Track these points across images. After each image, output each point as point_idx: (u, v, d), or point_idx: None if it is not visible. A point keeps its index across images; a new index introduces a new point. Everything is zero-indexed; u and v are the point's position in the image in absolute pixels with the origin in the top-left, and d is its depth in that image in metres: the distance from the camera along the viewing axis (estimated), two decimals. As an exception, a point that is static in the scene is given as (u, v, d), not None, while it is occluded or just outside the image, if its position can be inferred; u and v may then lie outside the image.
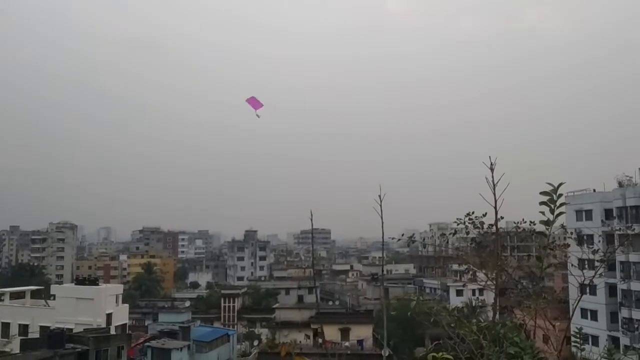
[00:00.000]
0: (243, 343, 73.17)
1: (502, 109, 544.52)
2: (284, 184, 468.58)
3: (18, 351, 43.85)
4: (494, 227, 5.69)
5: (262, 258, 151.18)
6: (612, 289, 56.70)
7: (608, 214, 59.67)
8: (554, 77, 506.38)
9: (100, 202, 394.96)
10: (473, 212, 5.60)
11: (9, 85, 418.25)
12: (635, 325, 55.52)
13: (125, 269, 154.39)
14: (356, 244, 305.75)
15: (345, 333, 59.99)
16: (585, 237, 44.55)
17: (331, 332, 59.84)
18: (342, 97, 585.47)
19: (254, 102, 26.86)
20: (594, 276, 5.04)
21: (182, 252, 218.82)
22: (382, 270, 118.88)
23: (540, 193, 4.75)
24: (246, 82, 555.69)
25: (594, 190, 63.99)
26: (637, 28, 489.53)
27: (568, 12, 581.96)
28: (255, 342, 71.15)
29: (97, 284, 61.66)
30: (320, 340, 58.98)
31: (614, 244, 54.88)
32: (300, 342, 60.06)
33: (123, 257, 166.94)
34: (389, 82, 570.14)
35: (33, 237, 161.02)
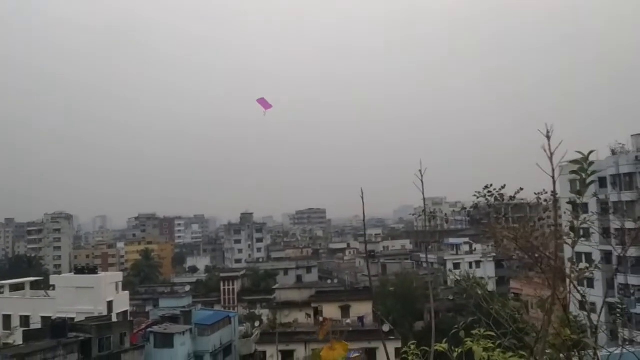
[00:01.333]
0: (244, 325, 73.73)
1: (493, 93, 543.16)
2: (278, 167, 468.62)
3: (21, 342, 44.06)
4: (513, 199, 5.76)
5: (259, 240, 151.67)
6: (607, 256, 57.34)
7: (602, 182, 60.09)
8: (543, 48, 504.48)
9: (94, 191, 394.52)
10: (492, 185, 5.61)
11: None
12: (632, 291, 56.29)
13: (123, 256, 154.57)
14: (352, 222, 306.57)
15: (345, 310, 60.51)
16: (580, 206, 44.80)
17: (331, 310, 60.36)
18: (330, 85, 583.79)
19: (264, 103, 28.18)
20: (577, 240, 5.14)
21: (179, 237, 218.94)
22: (366, 249, 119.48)
23: (571, 162, 4.74)
24: (233, 71, 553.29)
25: (584, 157, 64.23)
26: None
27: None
28: (257, 323, 71.75)
29: (97, 273, 61.81)
30: (321, 319, 59.53)
31: (608, 212, 55.47)
32: (297, 320, 60.61)
33: (120, 245, 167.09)
34: (372, 71, 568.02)
35: (29, 228, 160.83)
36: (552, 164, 4.47)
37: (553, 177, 4.60)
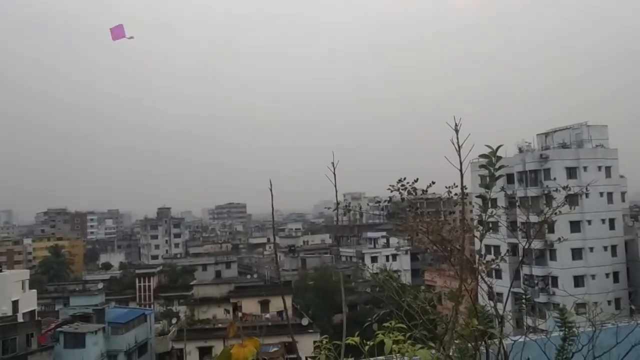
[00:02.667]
0: (161, 322, 72.04)
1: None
2: (197, 160, 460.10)
3: None
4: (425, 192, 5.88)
5: (177, 235, 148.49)
6: (514, 249, 60.42)
7: (510, 178, 63.23)
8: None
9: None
10: (405, 178, 5.70)
11: None
12: (535, 281, 59.70)
13: (30, 253, 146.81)
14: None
15: (265, 305, 60.42)
16: (489, 200, 46.92)
17: (251, 306, 60.12)
18: (249, 80, 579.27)
19: (118, 31, 25.70)
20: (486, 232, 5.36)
21: (92, 233, 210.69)
22: (275, 240, 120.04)
23: (480, 156, 4.88)
24: (144, 51, 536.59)
25: (494, 152, 67.48)
26: None
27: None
28: (174, 320, 70.28)
29: (1, 271, 58.52)
30: (240, 314, 59.17)
31: (515, 207, 58.44)
32: (216, 316, 59.96)
33: (27, 241, 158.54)
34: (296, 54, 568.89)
35: None
36: (459, 157, 4.62)
37: (461, 170, 4.75)
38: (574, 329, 5.31)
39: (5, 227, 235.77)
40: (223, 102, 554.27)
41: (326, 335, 5.41)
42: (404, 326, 5.01)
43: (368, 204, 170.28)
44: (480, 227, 5.33)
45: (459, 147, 4.55)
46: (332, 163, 4.88)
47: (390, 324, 4.97)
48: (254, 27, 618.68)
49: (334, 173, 4.86)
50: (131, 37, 26.29)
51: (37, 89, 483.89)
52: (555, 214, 5.44)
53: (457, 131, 4.53)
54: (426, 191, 5.89)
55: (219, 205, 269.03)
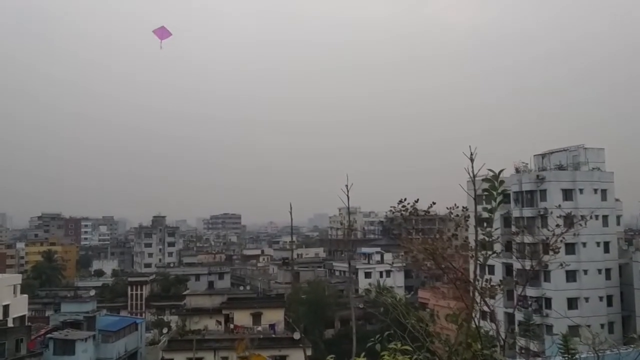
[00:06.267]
0: (152, 331, 71.58)
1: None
2: (193, 169, 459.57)
3: None
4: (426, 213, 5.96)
5: (171, 244, 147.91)
6: (508, 268, 60.39)
7: (506, 198, 63.34)
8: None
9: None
10: (405, 199, 5.78)
11: None
12: (529, 302, 59.58)
13: (22, 257, 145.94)
14: (266, 229, 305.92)
15: (257, 318, 60.10)
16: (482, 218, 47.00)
17: (243, 317, 59.79)
18: (250, 82, 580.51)
19: (162, 32, 25.84)
20: (489, 255, 5.40)
21: (86, 239, 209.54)
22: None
23: (483, 180, 4.95)
24: (153, 60, 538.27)
25: (495, 174, 67.69)
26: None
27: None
28: (165, 330, 69.85)
29: (-8, 274, 58.12)
30: (231, 326, 58.86)
31: (510, 226, 58.54)
32: (207, 327, 59.63)
33: (20, 245, 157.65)
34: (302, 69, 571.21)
35: None
36: (474, 186, 4.69)
37: (475, 199, 4.83)
38: (577, 356, 5.32)
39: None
40: (221, 109, 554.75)
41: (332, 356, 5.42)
42: (409, 348, 5.03)
43: (364, 220, 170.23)
44: (484, 250, 5.39)
45: (474, 176, 4.63)
46: (346, 185, 4.95)
47: (396, 345, 5.00)
48: (254, 28, 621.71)
49: (348, 195, 4.92)
50: (168, 36, 26.40)
51: (32, 92, 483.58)
52: (559, 240, 5.49)
53: (472, 160, 4.61)
54: (428, 212, 5.97)
55: (214, 215, 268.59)
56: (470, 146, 4.68)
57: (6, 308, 53.10)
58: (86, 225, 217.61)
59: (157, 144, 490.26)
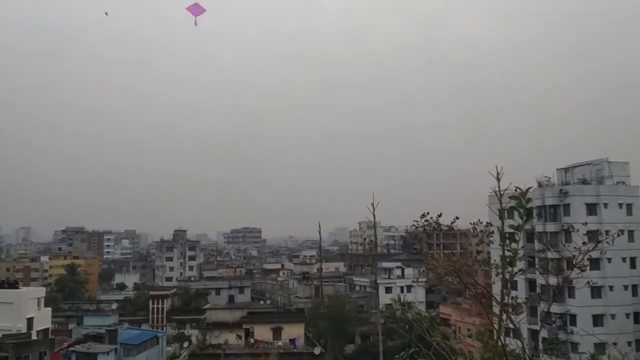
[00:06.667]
0: (173, 345, 71.76)
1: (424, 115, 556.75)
2: (214, 183, 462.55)
3: None
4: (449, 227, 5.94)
5: (192, 258, 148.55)
6: (531, 284, 59.53)
7: (528, 212, 62.59)
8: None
9: (19, 200, 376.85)
10: (428, 213, 5.77)
11: None
12: (553, 319, 58.57)
13: (46, 270, 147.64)
14: (287, 243, 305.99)
15: (277, 332, 59.99)
16: (507, 234, 46.49)
17: (263, 332, 59.71)
18: (273, 97, 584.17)
19: (196, 9, 25.37)
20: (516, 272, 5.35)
21: (108, 252, 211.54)
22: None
23: (510, 197, 4.96)
24: (176, 77, 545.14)
25: (516, 190, 67.01)
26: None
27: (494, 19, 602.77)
28: (186, 344, 70.00)
29: (17, 287, 58.83)
30: (252, 341, 58.82)
31: (533, 241, 57.79)
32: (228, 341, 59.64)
33: (44, 259, 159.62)
34: (328, 81, 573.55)
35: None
36: (500, 204, 4.69)
37: (501, 218, 4.83)
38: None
39: (23, 244, 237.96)
40: (240, 124, 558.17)
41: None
42: None
43: (384, 234, 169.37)
44: (509, 267, 5.35)
45: (500, 194, 4.64)
46: (372, 204, 4.98)
47: None
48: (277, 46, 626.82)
49: (374, 214, 4.94)
50: (203, 12, 25.69)
51: (54, 96, 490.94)
52: (586, 258, 5.44)
53: (498, 180, 4.63)
54: (451, 227, 5.95)
55: (234, 229, 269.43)
56: (496, 166, 4.69)
57: (30, 321, 53.66)
58: (109, 239, 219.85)
59: (178, 160, 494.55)
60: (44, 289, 69.61)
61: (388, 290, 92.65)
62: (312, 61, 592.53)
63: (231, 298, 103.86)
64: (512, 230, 5.06)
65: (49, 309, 62.25)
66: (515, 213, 4.85)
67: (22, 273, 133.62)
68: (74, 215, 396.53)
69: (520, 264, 5.95)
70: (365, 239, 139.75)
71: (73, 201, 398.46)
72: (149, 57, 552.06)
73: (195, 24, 25.35)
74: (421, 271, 78.38)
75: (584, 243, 6.18)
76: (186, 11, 25.35)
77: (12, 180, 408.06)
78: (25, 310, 53.54)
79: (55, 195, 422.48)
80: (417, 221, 5.83)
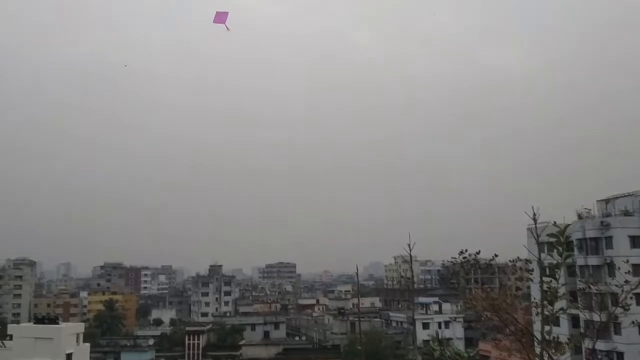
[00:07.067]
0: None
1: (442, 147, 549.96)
2: (248, 219, 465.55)
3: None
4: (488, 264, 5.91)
5: (227, 293, 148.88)
6: (574, 320, 57.70)
7: (568, 246, 61.13)
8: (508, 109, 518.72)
9: (60, 238, 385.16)
10: (466, 250, 5.77)
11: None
12: (599, 356, 56.44)
13: (85, 306, 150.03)
14: (321, 278, 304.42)
15: (312, 369, 59.37)
16: (547, 268, 45.46)
17: (298, 369, 59.13)
18: (301, 131, 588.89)
19: (220, 17, 25.48)
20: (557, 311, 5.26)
21: (145, 288, 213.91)
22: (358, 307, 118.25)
23: (548, 235, 4.94)
24: (209, 111, 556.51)
25: (555, 223, 65.56)
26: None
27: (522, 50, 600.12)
28: (221, 380, 69.79)
29: (57, 323, 59.64)
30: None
31: (574, 275, 56.22)
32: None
33: (83, 294, 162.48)
34: (344, 113, 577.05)
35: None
36: (537, 246, 4.67)
37: (539, 259, 4.80)
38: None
39: (63, 280, 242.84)
40: (277, 161, 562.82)
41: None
42: None
43: (421, 268, 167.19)
44: (548, 304, 5.27)
45: (537, 235, 4.62)
46: (408, 244, 5.00)
47: None
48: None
49: (410, 255, 4.96)
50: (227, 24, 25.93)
51: (97, 140, 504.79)
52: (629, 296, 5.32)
53: (535, 220, 4.62)
54: (490, 265, 5.90)
55: (269, 264, 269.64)
56: (532, 206, 4.69)
57: (69, 356, 54.13)
58: (146, 275, 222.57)
59: (214, 199, 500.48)
60: (82, 324, 70.27)
61: (425, 326, 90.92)
62: (342, 91, 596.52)
63: (266, 334, 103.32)
64: (550, 263, 4.99)
65: (88, 344, 62.73)
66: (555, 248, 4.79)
67: (62, 308, 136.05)
68: (113, 251, 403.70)
69: (562, 302, 5.84)
70: (401, 274, 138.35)
71: (113, 238, 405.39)
72: (192, 101, 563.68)
73: (227, 28, 25.71)
74: (458, 306, 76.98)
75: (626, 281, 6.05)
76: (216, 22, 25.76)
77: (53, 217, 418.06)
78: (64, 345, 54.08)
79: (95, 231, 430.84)
80: (455, 258, 5.80)
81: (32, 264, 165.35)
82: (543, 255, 5.08)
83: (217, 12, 25.69)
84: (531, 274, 5.81)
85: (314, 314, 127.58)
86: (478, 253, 5.46)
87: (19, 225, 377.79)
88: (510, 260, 5.04)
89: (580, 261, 59.72)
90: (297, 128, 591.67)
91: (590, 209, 66.40)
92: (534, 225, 4.47)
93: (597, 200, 68.59)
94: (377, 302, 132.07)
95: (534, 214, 4.68)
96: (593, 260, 59.14)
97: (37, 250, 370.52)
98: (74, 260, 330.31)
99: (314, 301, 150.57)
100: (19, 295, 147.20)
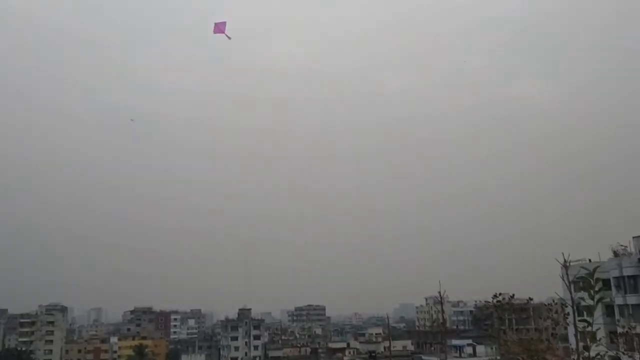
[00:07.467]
0: None
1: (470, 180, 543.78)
2: (277, 262, 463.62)
3: None
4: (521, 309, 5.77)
5: (257, 337, 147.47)
6: (615, 362, 55.57)
7: (605, 284, 59.33)
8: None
9: (91, 283, 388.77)
10: (500, 294, 5.65)
11: None
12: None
13: (115, 351, 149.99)
14: (351, 320, 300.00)
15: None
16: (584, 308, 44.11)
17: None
18: (328, 166, 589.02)
19: (219, 27, 25.25)
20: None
21: (175, 332, 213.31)
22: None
23: (577, 278, 4.85)
24: (229, 154, 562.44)
25: (590, 261, 63.83)
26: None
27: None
28: None
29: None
30: None
31: (613, 315, 54.44)
32: None
33: (114, 339, 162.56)
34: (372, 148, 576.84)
35: (22, 320, 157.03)
36: (570, 293, 4.58)
37: (573, 306, 4.70)
38: None
39: (94, 325, 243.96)
40: (299, 207, 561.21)
41: None
42: None
43: (452, 309, 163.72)
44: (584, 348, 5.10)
45: (569, 282, 4.54)
46: (439, 292, 4.94)
47: None
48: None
49: (441, 296, 4.88)
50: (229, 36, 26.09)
51: (122, 188, 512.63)
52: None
53: (566, 267, 4.56)
54: (525, 308, 5.75)
55: (298, 307, 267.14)
56: (563, 253, 4.59)
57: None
58: (175, 319, 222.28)
59: (240, 243, 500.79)
60: (113, 370, 70.42)
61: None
62: (371, 128, 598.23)
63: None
64: (585, 302, 4.85)
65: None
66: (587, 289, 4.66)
67: (93, 354, 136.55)
68: (143, 295, 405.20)
69: (600, 347, 5.64)
70: (432, 315, 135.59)
71: (143, 282, 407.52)
72: (225, 147, 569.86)
73: (228, 37, 25.89)
74: (494, 349, 74.77)
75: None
76: (216, 32, 25.95)
77: (82, 263, 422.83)
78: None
79: (126, 276, 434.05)
80: (489, 302, 5.67)
81: (63, 310, 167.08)
82: (580, 294, 4.93)
83: (215, 23, 25.87)
84: (567, 317, 5.63)
85: (345, 358, 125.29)
86: (512, 297, 5.32)
87: (51, 272, 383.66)
88: (545, 304, 4.87)
89: (618, 300, 57.88)
90: (324, 165, 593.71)
91: (626, 246, 64.67)
92: (566, 265, 4.36)
93: (634, 237, 66.77)
94: (409, 345, 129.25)
95: (565, 261, 4.58)
96: (632, 299, 57.25)
97: (69, 295, 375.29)
98: (104, 305, 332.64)
99: (344, 344, 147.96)
100: (51, 341, 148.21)
